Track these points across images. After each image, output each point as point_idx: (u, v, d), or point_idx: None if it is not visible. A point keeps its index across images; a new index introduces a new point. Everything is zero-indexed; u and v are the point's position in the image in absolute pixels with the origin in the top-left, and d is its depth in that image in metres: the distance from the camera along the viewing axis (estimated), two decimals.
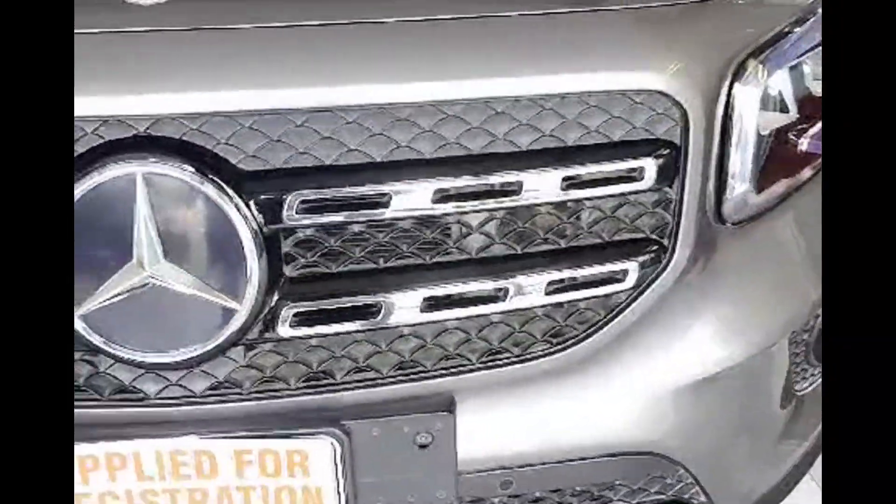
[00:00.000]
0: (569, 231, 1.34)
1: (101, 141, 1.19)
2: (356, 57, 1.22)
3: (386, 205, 1.24)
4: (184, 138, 1.20)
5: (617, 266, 1.34)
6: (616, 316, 1.38)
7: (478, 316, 1.33)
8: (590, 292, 1.35)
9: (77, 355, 1.27)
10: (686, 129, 1.32)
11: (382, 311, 1.28)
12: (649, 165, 1.31)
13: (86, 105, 1.17)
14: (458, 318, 1.32)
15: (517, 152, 1.27)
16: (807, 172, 1.55)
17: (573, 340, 1.37)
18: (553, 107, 1.27)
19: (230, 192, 1.19)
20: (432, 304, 1.30)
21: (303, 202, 1.22)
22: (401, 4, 1.26)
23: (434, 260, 1.30)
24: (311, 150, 1.22)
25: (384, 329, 1.30)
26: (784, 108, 1.50)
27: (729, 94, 1.39)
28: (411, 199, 1.24)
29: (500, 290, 1.31)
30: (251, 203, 1.21)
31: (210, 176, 1.19)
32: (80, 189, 1.17)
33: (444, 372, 1.34)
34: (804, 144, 1.58)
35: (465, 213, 1.28)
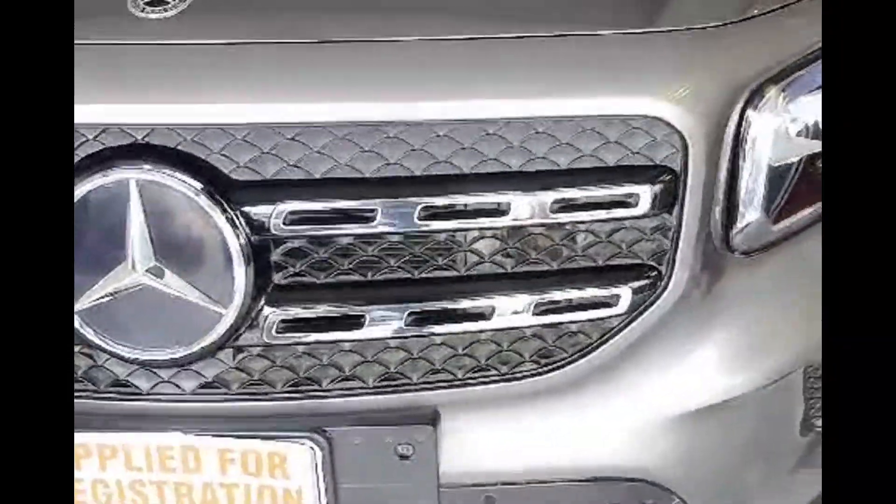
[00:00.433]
0: (559, 253, 1.34)
1: (101, 147, 1.25)
2: (348, 75, 1.25)
3: (372, 220, 1.26)
4: (179, 148, 1.25)
5: (608, 291, 1.33)
6: (608, 340, 1.37)
7: (465, 332, 1.34)
8: (579, 315, 1.34)
9: (75, 349, 1.33)
10: (686, 156, 1.31)
11: (367, 322, 1.30)
12: (644, 192, 1.29)
13: (88, 113, 1.23)
14: (444, 334, 1.34)
15: (507, 173, 1.28)
16: None
17: (562, 362, 1.37)
18: (546, 130, 1.27)
19: (220, 200, 1.23)
20: (418, 318, 1.31)
21: (291, 213, 1.25)
22: (396, 24, 1.28)
23: (421, 275, 1.32)
24: (301, 163, 1.25)
25: (370, 340, 1.32)
26: (811, 136, 1.46)
27: (740, 121, 1.36)
28: (398, 215, 1.26)
29: (486, 308, 1.32)
30: (240, 212, 1.24)
31: (202, 185, 1.23)
32: (80, 192, 1.23)
33: (428, 386, 1.35)
34: None
35: (453, 230, 1.29)
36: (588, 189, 1.28)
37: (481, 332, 1.34)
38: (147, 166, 1.22)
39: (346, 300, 1.30)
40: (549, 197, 1.27)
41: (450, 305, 1.31)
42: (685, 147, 1.29)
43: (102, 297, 1.26)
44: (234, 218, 1.24)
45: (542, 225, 1.30)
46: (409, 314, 1.31)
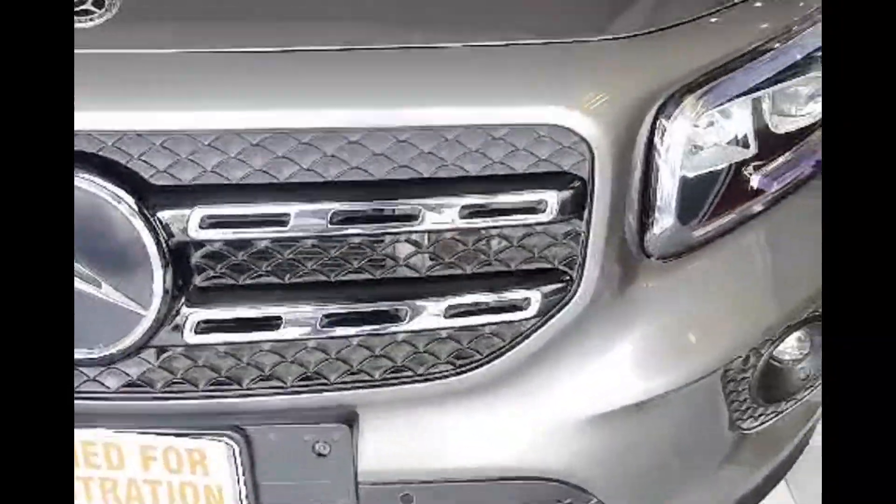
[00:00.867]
0: (471, 258, 1.38)
1: None
2: (261, 83, 1.29)
3: (285, 224, 1.30)
4: (100, 153, 1.29)
5: (518, 294, 1.37)
6: (521, 342, 1.41)
7: (380, 334, 1.38)
8: (491, 318, 1.38)
9: None
10: (593, 164, 1.35)
11: (284, 324, 1.35)
12: (551, 198, 1.33)
13: None
14: (359, 335, 1.38)
15: (417, 179, 1.32)
16: (755, 208, 1.55)
17: (476, 364, 1.41)
18: (455, 137, 1.31)
19: (138, 204, 1.28)
20: (333, 320, 1.35)
21: (208, 218, 1.29)
22: (310, 34, 1.32)
23: (337, 278, 1.36)
24: (218, 169, 1.30)
25: (287, 341, 1.37)
26: (727, 145, 1.50)
27: (653, 130, 1.40)
28: (310, 220, 1.30)
29: (398, 310, 1.36)
30: (158, 216, 1.29)
31: (121, 189, 1.27)
32: None
33: (345, 386, 1.39)
34: (755, 181, 1.57)
35: (365, 235, 1.33)
36: (496, 196, 1.33)
37: (396, 333, 1.38)
38: None
39: (264, 302, 1.35)
40: (458, 203, 1.32)
41: (364, 308, 1.36)
42: (591, 155, 1.34)
43: None
44: (153, 221, 1.28)
45: (452, 230, 1.34)
46: (325, 316, 1.35)
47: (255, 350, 1.38)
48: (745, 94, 1.48)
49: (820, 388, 1.72)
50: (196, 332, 1.34)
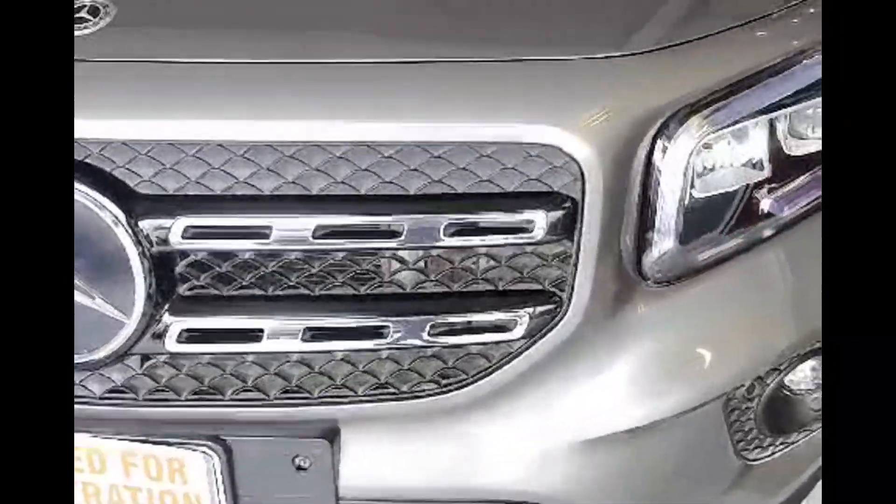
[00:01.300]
0: (458, 276, 1.35)
1: None
2: (246, 94, 1.29)
3: (267, 237, 1.29)
4: (86, 161, 1.30)
5: (505, 315, 1.35)
6: (508, 363, 1.38)
7: (365, 350, 1.37)
8: (477, 338, 1.36)
9: None
10: (584, 184, 1.31)
11: (266, 336, 1.34)
12: (540, 218, 1.30)
13: None
14: (341, 351, 1.36)
15: (403, 196, 1.30)
16: (765, 233, 1.50)
17: (461, 383, 1.38)
18: (443, 154, 1.29)
19: (122, 212, 1.28)
20: (315, 334, 1.34)
21: (191, 228, 1.29)
22: (292, 46, 1.32)
23: (320, 292, 1.35)
24: (202, 179, 1.30)
25: (267, 353, 1.36)
26: (729, 168, 1.46)
27: (651, 151, 1.36)
28: (293, 233, 1.29)
29: (382, 327, 1.34)
30: (141, 225, 1.29)
31: (106, 197, 1.28)
32: None
33: (328, 400, 1.38)
34: (765, 205, 1.52)
35: (347, 250, 1.32)
36: (483, 214, 1.30)
37: (379, 350, 1.36)
38: None
39: (247, 313, 1.34)
40: (443, 221, 1.29)
41: (347, 323, 1.34)
42: (582, 175, 1.31)
43: None
44: (136, 230, 1.29)
45: (437, 248, 1.32)
46: (308, 329, 1.34)
47: (239, 361, 1.38)
48: (757, 114, 1.43)
49: None
50: (179, 341, 1.34)
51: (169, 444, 1.36)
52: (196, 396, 1.38)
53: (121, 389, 1.39)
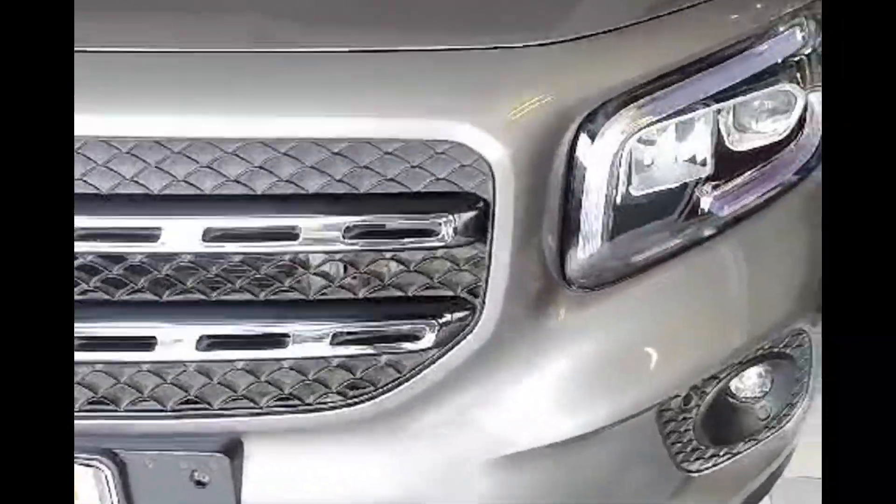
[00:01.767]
0: (363, 282, 1.27)
1: None
2: (133, 87, 1.20)
3: (156, 239, 1.21)
4: None
5: (412, 324, 1.26)
6: (417, 374, 1.30)
7: (267, 360, 1.29)
8: (382, 347, 1.27)
9: None
10: (494, 184, 1.22)
11: (158, 344, 1.26)
12: (448, 221, 1.22)
13: None
14: (242, 360, 1.28)
15: (299, 195, 1.22)
16: (705, 232, 1.41)
17: (368, 396, 1.30)
18: (342, 151, 1.21)
19: None
20: (212, 342, 1.26)
21: (77, 229, 1.21)
22: (185, 35, 1.23)
23: (218, 297, 1.27)
24: (87, 177, 1.22)
25: (162, 363, 1.28)
26: (658, 166, 1.36)
27: (573, 148, 1.27)
28: (182, 235, 1.21)
29: (281, 335, 1.26)
30: None
31: None
32: None
33: (228, 412, 1.30)
34: (706, 203, 1.43)
35: (241, 254, 1.24)
36: (386, 216, 1.22)
37: (281, 360, 1.29)
38: None
39: (139, 320, 1.26)
40: (343, 223, 1.21)
41: (244, 330, 1.26)
42: (493, 174, 1.22)
43: None
44: None
45: (338, 252, 1.24)
46: (203, 337, 1.26)
47: (135, 370, 1.30)
48: (695, 106, 1.35)
49: (783, 430, 1.58)
50: None
51: None
52: (89, 407, 1.31)
53: None
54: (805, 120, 1.45)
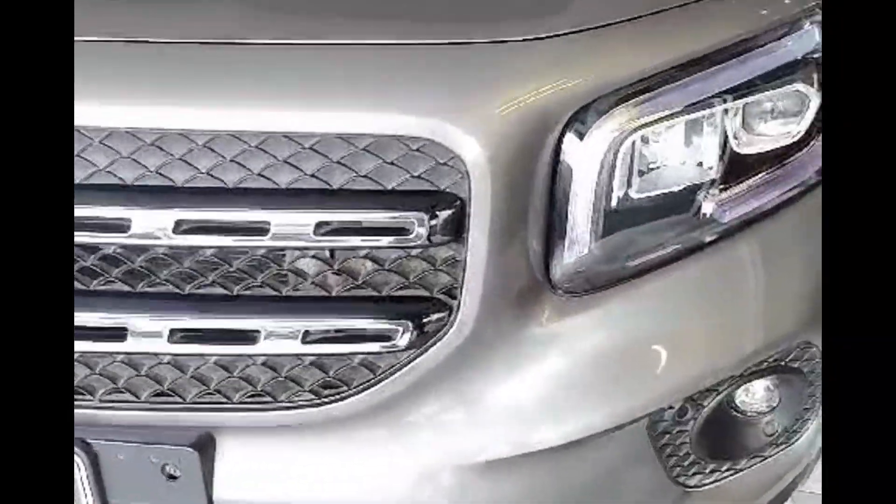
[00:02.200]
0: (337, 280, 1.24)
1: None
2: (104, 77, 1.19)
3: (127, 230, 1.20)
4: None
5: (386, 323, 1.23)
6: (392, 375, 1.26)
7: (239, 356, 1.27)
8: (355, 347, 1.24)
9: None
10: (470, 183, 1.18)
11: (129, 335, 1.25)
12: (422, 219, 1.18)
13: None
14: (213, 355, 1.26)
15: (269, 190, 1.19)
16: (704, 238, 1.34)
17: (340, 395, 1.27)
18: (314, 146, 1.18)
19: None
20: (184, 335, 1.25)
21: None
22: (156, 27, 1.21)
23: (190, 291, 1.25)
24: None
25: (139, 354, 1.27)
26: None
27: (558, 149, 1.22)
28: (153, 227, 1.19)
29: (251, 331, 1.23)
30: None
31: None
32: None
33: (199, 406, 1.29)
34: (707, 209, 1.36)
35: (210, 247, 1.22)
36: (357, 213, 1.19)
37: (251, 356, 1.26)
38: None
39: (110, 310, 1.25)
40: (313, 219, 1.18)
41: (214, 325, 1.24)
42: (468, 173, 1.18)
43: None
44: None
45: (305, 248, 1.21)
46: (174, 330, 1.24)
47: (110, 360, 1.29)
48: (697, 106, 1.28)
49: (792, 447, 1.51)
50: None
51: None
52: None
53: None
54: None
